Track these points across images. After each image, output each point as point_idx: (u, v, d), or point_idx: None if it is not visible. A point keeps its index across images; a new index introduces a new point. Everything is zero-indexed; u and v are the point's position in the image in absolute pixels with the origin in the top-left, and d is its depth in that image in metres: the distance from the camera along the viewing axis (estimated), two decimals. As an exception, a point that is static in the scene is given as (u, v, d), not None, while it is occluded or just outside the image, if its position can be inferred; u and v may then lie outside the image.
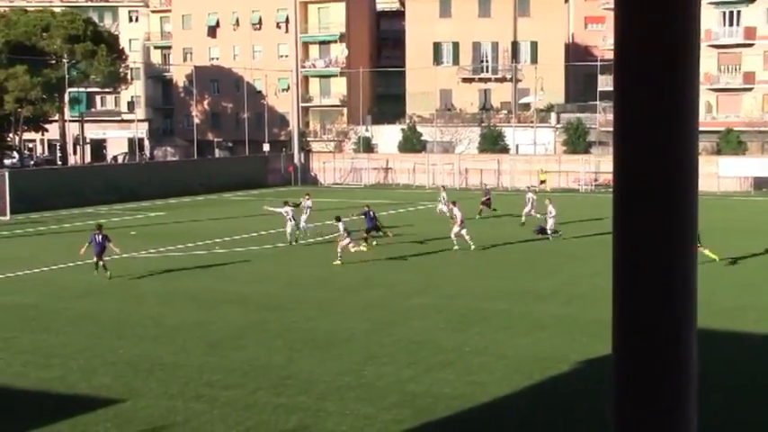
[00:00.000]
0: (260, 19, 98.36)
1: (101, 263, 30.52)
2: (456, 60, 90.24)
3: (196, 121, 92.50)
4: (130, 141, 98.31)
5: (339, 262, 33.33)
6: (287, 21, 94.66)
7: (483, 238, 37.98)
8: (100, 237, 31.02)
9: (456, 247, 36.64)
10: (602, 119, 77.17)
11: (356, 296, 27.50)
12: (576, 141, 78.39)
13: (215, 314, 24.91)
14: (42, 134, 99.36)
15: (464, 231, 36.80)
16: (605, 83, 77.34)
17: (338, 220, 34.79)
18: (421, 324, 23.50)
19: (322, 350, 20.79)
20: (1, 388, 18.03)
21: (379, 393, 17.46)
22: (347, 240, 33.75)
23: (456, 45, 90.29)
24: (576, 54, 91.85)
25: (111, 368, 19.30)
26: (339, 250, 33.61)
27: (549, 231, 39.27)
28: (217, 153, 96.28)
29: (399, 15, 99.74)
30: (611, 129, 3.12)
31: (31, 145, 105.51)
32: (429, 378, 18.46)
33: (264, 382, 18.15)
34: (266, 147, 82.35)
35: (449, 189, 53.65)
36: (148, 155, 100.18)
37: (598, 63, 78.68)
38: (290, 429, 15.52)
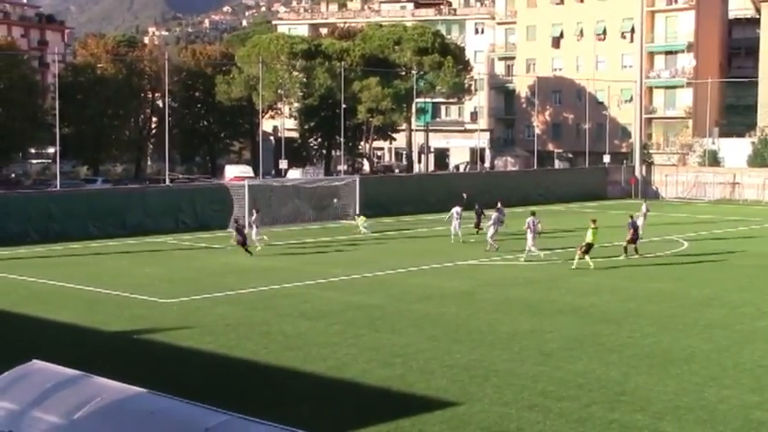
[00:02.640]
0: (604, 29, 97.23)
1: None
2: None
3: (537, 131, 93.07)
4: (472, 150, 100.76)
5: None
6: (632, 30, 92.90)
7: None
8: None
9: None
10: None
11: (698, 314, 26.47)
12: None
13: (549, 324, 24.94)
14: (390, 143, 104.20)
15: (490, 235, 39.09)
16: None
17: None
18: (767, 348, 22.23)
19: (659, 368, 20.21)
20: (348, 382, 19.13)
21: (720, 417, 16.71)
22: None
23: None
24: None
25: (448, 371, 19.87)
26: None
27: None
28: (556, 164, 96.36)
29: (754, 23, 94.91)
30: None
31: (379, 153, 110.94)
32: (776, 406, 17.44)
33: (599, 397, 17.94)
34: (606, 158, 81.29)
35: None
36: (489, 164, 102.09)
37: None
38: (624, 447, 15.24)
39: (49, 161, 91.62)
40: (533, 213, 38.60)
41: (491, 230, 40.18)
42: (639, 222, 43.17)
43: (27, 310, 27.12)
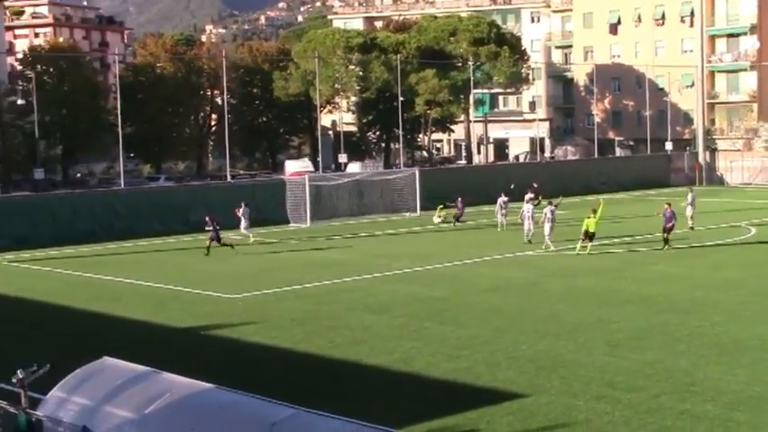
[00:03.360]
0: (663, 14, 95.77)
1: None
2: None
3: (597, 119, 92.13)
4: (532, 140, 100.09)
5: None
6: (692, 14, 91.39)
7: None
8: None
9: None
10: None
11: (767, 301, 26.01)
12: None
13: (616, 314, 24.67)
14: (449, 134, 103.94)
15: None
16: None
17: None
18: (841, 335, 21.76)
19: (729, 357, 19.88)
20: (414, 375, 19.11)
21: (795, 407, 16.40)
22: None
23: None
24: None
25: (514, 363, 19.76)
26: None
27: None
28: (617, 152, 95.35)
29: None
30: None
31: (438, 145, 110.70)
32: None
33: (668, 387, 17.69)
34: (669, 145, 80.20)
35: None
36: (549, 154, 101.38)
37: None
38: (696, 437, 15.02)
39: (113, 161, 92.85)
40: (550, 202, 38.57)
41: (547, 227, 37.70)
42: (688, 212, 42.77)
43: (97, 307, 27.55)
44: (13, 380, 11.21)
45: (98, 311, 26.96)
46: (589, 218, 36.02)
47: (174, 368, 12.38)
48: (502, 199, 45.48)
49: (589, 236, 35.79)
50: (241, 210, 42.96)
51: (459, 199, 47.92)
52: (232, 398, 10.68)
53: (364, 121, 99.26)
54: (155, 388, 10.80)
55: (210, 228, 38.46)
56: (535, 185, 45.95)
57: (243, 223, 42.87)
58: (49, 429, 10.45)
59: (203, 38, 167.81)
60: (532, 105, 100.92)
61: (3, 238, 43.34)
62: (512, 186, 47.60)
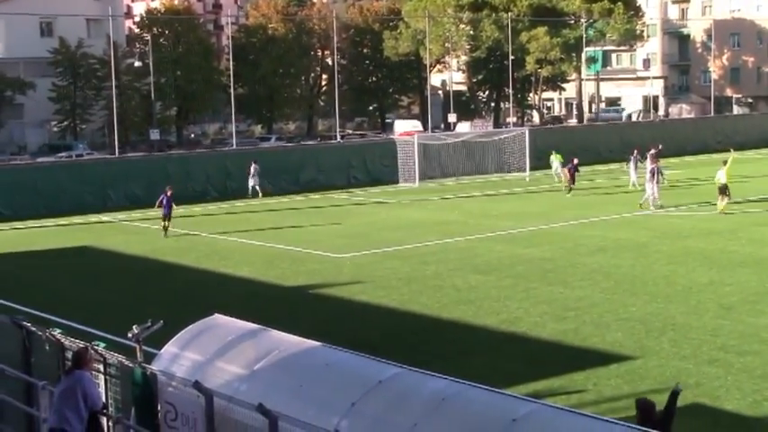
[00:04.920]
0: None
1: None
2: None
3: (714, 76, 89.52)
4: (645, 99, 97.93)
5: None
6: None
7: None
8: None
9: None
10: None
11: None
12: None
13: (729, 276, 24.08)
14: (560, 93, 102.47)
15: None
16: None
17: None
18: None
19: None
20: (521, 336, 19.06)
21: None
22: None
23: None
24: None
25: (623, 325, 19.50)
26: None
27: None
28: (735, 110, 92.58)
29: None
30: None
31: (549, 104, 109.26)
32: None
33: (784, 352, 17.25)
34: (790, 102, 77.46)
35: None
36: (663, 112, 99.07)
37: None
38: (811, 404, 14.61)
39: (225, 122, 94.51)
40: (652, 155, 38.71)
41: (653, 187, 37.27)
42: None
43: (208, 265, 28.21)
44: (129, 335, 11.55)
45: (209, 269, 27.61)
46: (720, 170, 35.33)
47: (282, 326, 12.58)
48: (635, 155, 44.73)
49: (721, 189, 35.02)
50: (251, 167, 45.69)
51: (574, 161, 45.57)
52: (339, 356, 10.79)
53: (474, 80, 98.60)
54: (263, 345, 10.99)
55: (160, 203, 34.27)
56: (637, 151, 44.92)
57: (251, 180, 45.66)
58: (162, 383, 10.76)
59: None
60: (646, 63, 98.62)
61: (120, 197, 44.68)
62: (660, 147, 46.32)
